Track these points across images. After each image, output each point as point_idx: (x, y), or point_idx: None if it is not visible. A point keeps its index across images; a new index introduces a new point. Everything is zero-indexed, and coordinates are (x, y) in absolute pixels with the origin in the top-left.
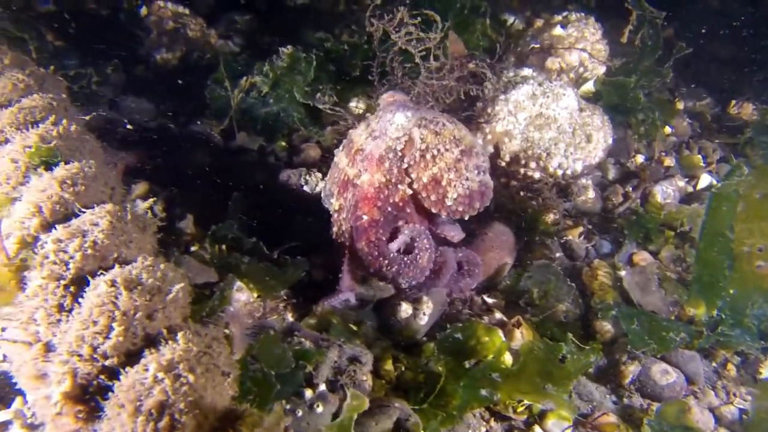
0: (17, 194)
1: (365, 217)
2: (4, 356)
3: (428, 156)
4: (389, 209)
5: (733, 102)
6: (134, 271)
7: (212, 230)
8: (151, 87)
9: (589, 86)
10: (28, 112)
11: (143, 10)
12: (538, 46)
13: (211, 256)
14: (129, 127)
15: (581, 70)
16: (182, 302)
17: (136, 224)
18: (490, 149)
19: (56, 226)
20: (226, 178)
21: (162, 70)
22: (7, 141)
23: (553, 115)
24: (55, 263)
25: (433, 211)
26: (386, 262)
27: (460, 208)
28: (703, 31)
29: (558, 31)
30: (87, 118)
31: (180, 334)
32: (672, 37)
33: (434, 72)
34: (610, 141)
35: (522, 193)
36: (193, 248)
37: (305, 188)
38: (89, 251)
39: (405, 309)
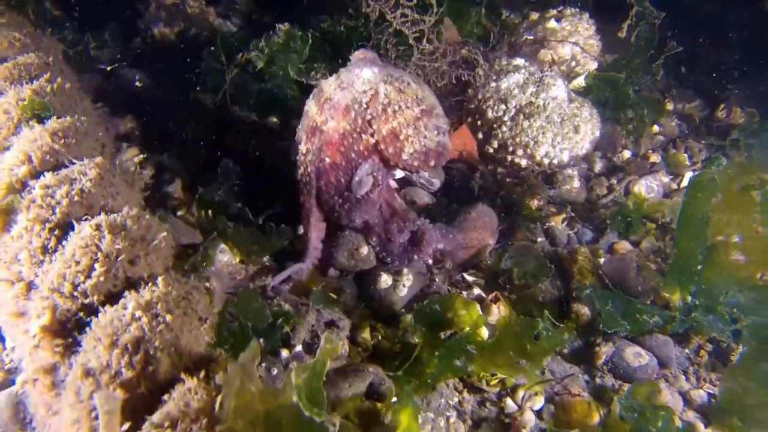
0: (8, 144)
1: (327, 160)
2: None
3: (389, 110)
4: (352, 155)
5: (722, 105)
6: (119, 218)
7: (199, 193)
8: (148, 60)
9: (579, 81)
10: (23, 68)
11: None
12: (532, 37)
13: (198, 219)
14: (138, 84)
15: (573, 64)
16: (165, 252)
17: (124, 178)
18: (480, 135)
19: (45, 173)
20: (218, 148)
21: (159, 44)
22: (0, 94)
23: (542, 105)
24: (41, 207)
25: (391, 163)
26: (340, 200)
27: (416, 163)
28: (696, 34)
29: (552, 24)
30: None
31: (160, 279)
32: (664, 37)
33: (427, 55)
34: (598, 133)
35: (508, 180)
36: (180, 213)
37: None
38: (76, 198)
39: (385, 280)
